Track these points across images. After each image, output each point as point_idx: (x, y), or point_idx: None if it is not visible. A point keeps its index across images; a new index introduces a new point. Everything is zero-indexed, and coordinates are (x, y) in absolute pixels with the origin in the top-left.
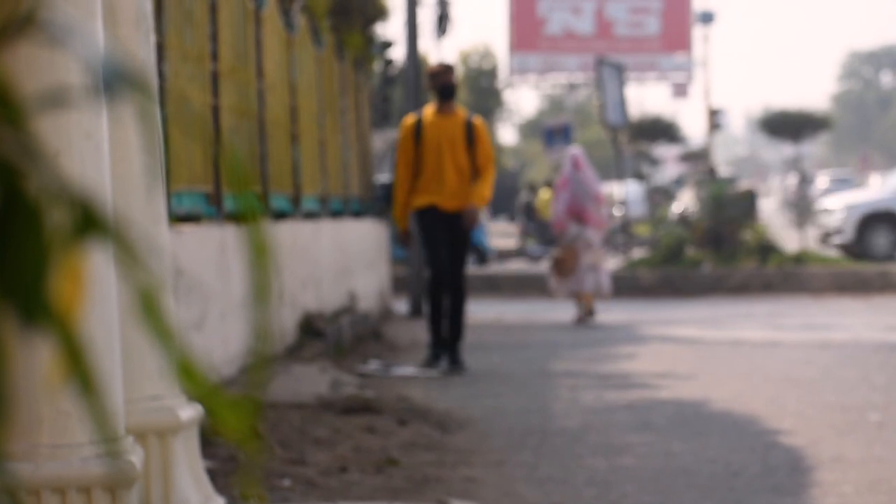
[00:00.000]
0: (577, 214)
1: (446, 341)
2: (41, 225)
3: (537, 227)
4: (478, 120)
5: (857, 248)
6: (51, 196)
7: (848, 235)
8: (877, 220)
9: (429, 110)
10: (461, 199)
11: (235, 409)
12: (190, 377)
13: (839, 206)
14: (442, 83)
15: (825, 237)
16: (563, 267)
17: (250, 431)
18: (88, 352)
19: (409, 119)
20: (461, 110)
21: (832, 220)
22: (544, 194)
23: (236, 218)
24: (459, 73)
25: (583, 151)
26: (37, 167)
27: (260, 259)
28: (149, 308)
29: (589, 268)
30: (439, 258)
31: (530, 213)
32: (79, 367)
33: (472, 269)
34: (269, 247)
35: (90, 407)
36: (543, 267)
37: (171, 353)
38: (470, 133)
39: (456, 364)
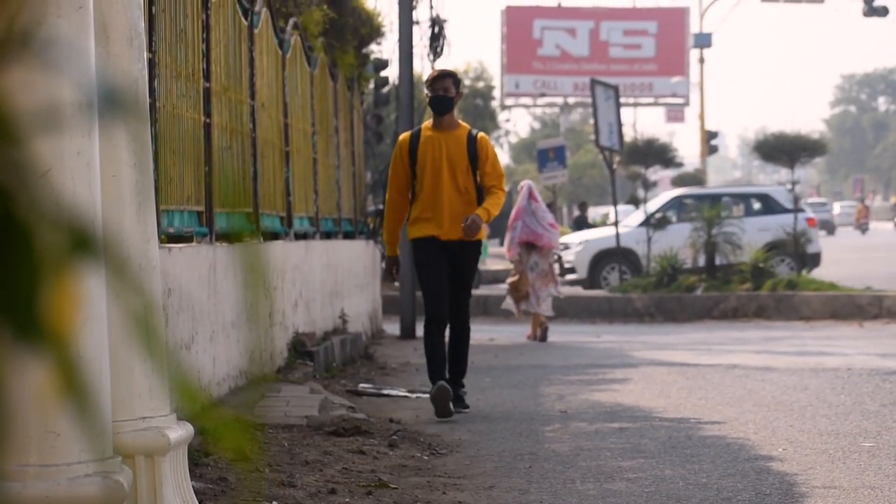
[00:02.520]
0: (532, 242)
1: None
2: (33, 243)
3: None
4: (482, 135)
5: (589, 285)
6: (42, 215)
7: (583, 272)
8: (608, 257)
9: (426, 126)
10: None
11: (232, 427)
12: (186, 395)
13: (576, 242)
14: (436, 94)
15: (563, 273)
16: (519, 292)
17: (247, 450)
18: (82, 369)
19: (404, 136)
20: (463, 126)
21: (568, 256)
22: None
23: (228, 238)
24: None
25: (534, 184)
26: (28, 186)
27: (253, 279)
28: (142, 326)
29: (546, 293)
30: (436, 296)
31: None
32: (73, 385)
33: None
34: (262, 267)
35: (84, 424)
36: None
37: (167, 371)
38: (473, 151)
39: (459, 404)
